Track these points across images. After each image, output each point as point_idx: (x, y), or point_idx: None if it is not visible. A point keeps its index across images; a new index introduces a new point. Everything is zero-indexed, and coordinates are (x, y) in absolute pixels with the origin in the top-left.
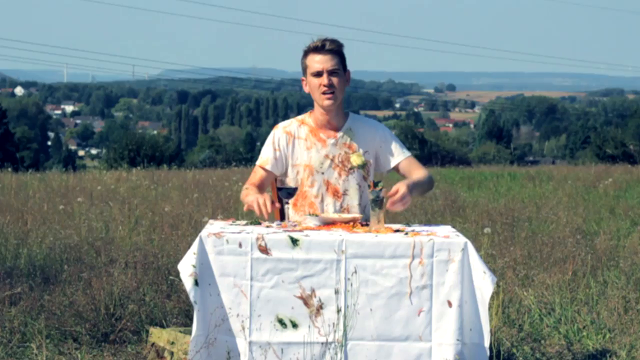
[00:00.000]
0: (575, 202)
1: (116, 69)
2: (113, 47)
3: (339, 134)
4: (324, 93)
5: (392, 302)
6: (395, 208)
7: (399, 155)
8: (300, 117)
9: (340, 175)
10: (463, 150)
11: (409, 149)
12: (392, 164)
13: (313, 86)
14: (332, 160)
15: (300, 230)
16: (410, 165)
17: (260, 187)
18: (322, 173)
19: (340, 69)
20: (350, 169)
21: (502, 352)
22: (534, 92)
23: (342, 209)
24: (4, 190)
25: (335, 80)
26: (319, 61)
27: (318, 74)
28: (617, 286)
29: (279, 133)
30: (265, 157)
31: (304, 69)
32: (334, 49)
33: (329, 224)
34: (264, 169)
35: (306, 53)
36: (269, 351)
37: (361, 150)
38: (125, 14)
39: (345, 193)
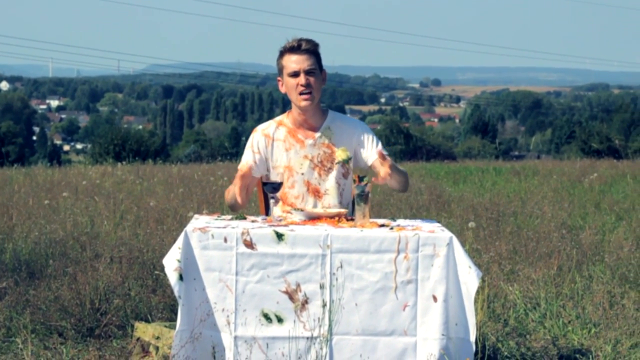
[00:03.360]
0: (560, 197)
1: (101, 64)
2: (98, 42)
3: (317, 135)
4: (301, 93)
5: (377, 296)
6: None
7: (376, 151)
8: (278, 119)
9: (320, 175)
10: (448, 145)
11: (395, 143)
12: (370, 161)
13: (290, 86)
14: (312, 160)
15: (286, 225)
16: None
17: (245, 190)
18: (302, 174)
19: (317, 68)
20: (330, 168)
21: (487, 347)
22: (519, 87)
23: (323, 209)
24: None
25: (312, 79)
26: (295, 61)
27: (295, 74)
28: (603, 281)
29: (258, 136)
30: (245, 161)
31: (280, 69)
32: (310, 48)
33: (314, 218)
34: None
35: (282, 53)
36: (254, 346)
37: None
38: (110, 8)
39: (325, 192)
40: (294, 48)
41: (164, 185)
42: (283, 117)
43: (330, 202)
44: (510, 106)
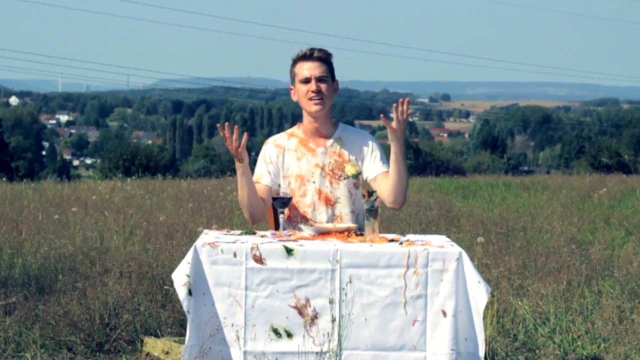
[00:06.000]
0: (569, 212)
1: (111, 79)
2: (108, 57)
3: (329, 143)
4: (311, 99)
5: (387, 311)
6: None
7: (380, 167)
8: (289, 131)
9: (331, 183)
10: (458, 160)
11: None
12: (372, 174)
13: (301, 93)
14: (323, 168)
15: (295, 240)
16: (386, 176)
17: (262, 201)
18: (314, 182)
19: (329, 77)
20: (341, 177)
21: None
22: (528, 102)
23: (335, 217)
24: None
25: (323, 87)
26: (307, 68)
27: (306, 81)
28: (612, 296)
29: (269, 147)
30: (259, 172)
31: (293, 77)
32: (322, 57)
33: (323, 233)
34: (259, 183)
35: (295, 61)
36: None
37: (353, 159)
38: (119, 23)
39: (337, 201)
40: (307, 56)
41: (174, 200)
42: (294, 129)
43: (341, 211)
44: (520, 121)
